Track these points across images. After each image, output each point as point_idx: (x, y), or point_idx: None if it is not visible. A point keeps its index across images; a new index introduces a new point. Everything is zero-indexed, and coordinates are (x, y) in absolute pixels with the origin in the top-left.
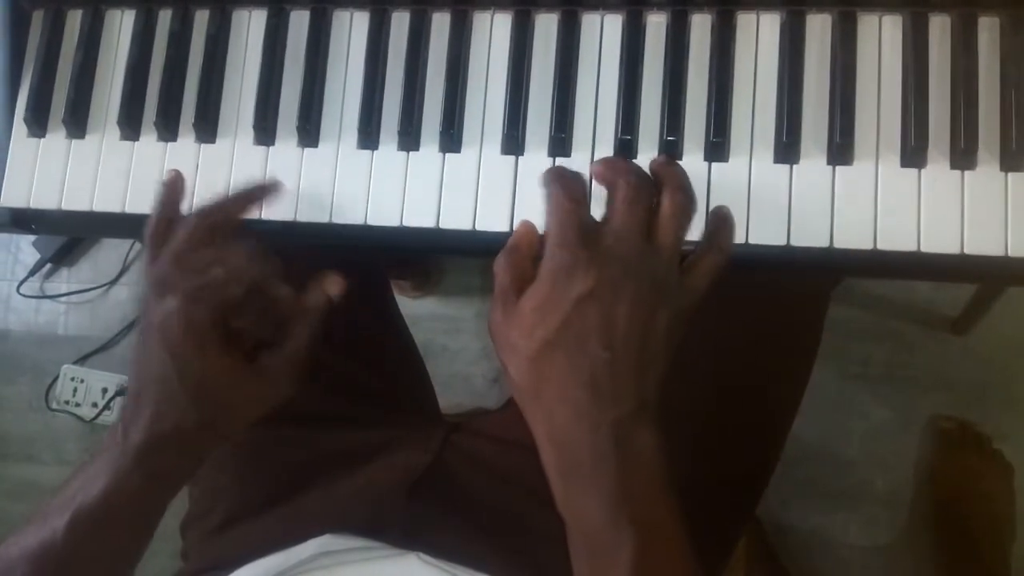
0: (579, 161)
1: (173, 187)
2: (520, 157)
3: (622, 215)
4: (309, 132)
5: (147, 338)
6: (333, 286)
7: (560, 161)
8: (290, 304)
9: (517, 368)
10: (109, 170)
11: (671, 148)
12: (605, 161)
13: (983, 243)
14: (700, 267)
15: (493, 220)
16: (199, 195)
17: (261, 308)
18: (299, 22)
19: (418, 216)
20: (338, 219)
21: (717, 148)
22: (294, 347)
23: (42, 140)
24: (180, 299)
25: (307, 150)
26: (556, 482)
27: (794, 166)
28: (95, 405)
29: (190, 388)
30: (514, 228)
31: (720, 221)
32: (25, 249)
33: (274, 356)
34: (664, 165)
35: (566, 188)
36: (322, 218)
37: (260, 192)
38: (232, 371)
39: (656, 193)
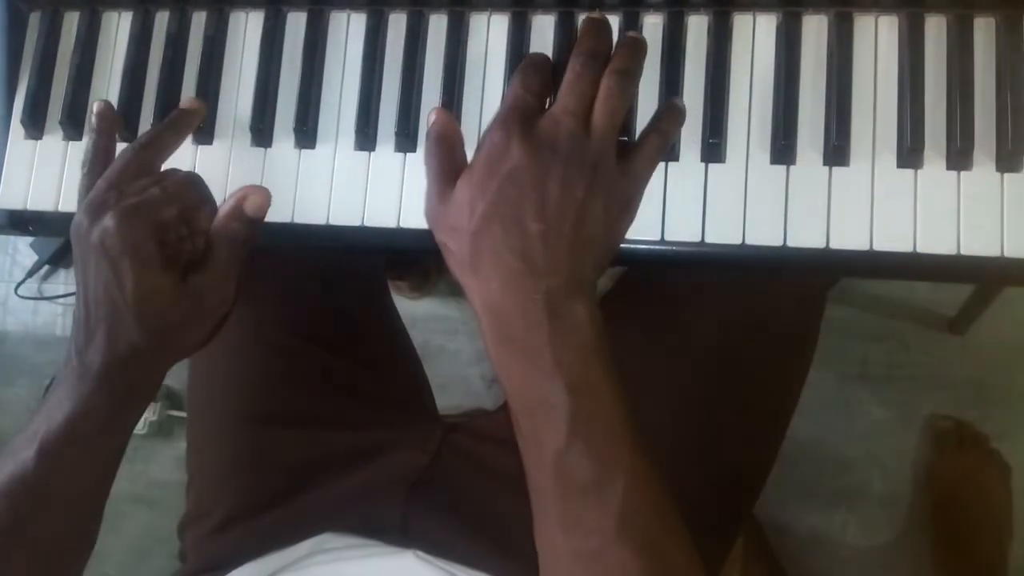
0: None
1: (104, 116)
2: None
3: (560, 102)
4: (306, 134)
5: (87, 260)
6: (250, 204)
7: None
8: (211, 227)
9: (459, 245)
10: None
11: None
12: (584, 27)
13: (979, 243)
14: (640, 150)
15: None
16: None
17: (190, 232)
18: (296, 24)
19: (415, 217)
20: (335, 221)
21: (713, 149)
22: (217, 268)
23: (39, 142)
24: (117, 217)
25: (304, 152)
26: (492, 349)
27: (790, 167)
28: None
29: (134, 304)
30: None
31: (670, 107)
32: (23, 250)
33: (200, 276)
34: (620, 45)
35: (525, 79)
36: (319, 220)
37: (190, 117)
38: (171, 289)
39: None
